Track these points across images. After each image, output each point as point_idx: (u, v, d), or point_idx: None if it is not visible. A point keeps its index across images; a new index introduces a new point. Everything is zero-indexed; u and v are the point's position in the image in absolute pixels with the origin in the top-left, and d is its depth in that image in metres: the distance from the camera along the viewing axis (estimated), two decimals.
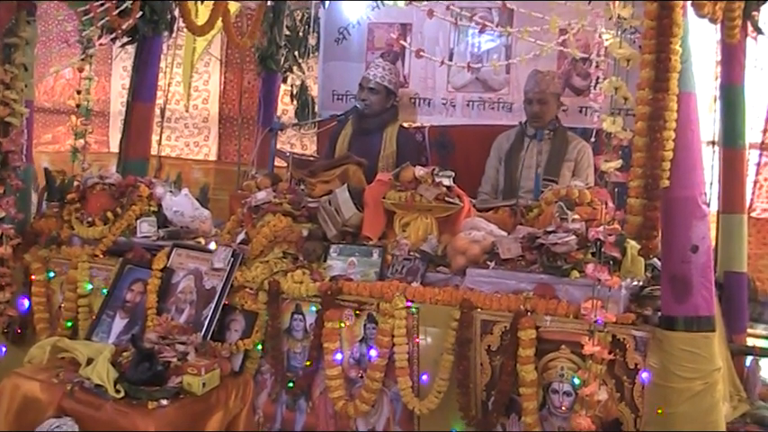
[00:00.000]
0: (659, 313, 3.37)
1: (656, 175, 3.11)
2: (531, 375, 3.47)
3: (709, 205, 3.28)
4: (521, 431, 3.58)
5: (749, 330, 6.43)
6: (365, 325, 3.89)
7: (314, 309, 3.98)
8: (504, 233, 4.06)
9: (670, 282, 3.26)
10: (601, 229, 3.23)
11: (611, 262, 3.47)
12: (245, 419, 3.88)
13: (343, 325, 3.90)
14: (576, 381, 3.40)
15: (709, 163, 6.38)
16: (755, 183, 6.61)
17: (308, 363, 3.99)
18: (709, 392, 3.26)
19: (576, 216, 3.86)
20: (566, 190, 4.29)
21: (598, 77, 3.52)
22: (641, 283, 3.75)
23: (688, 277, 3.21)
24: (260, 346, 4.07)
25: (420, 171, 4.24)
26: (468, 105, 6.29)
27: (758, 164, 6.63)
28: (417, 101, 6.40)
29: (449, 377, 3.65)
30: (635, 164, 3.14)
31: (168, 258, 4.35)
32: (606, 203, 3.34)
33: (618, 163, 3.19)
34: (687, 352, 3.23)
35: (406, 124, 6.16)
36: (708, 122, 6.44)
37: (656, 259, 3.68)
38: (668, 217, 3.23)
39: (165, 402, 3.48)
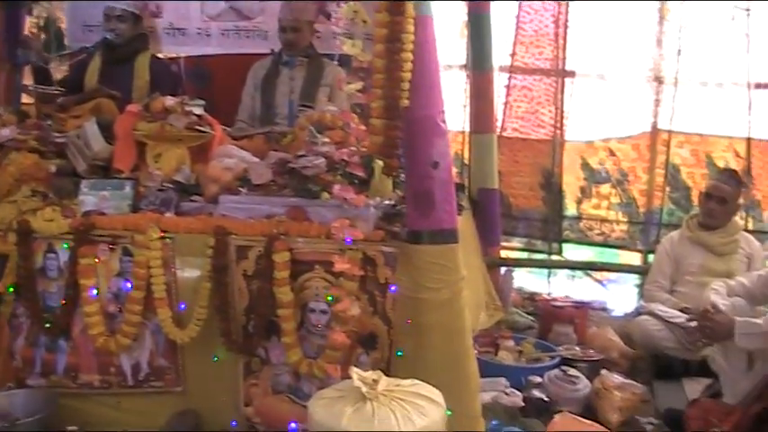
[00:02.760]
0: (407, 229, 3.50)
1: (395, 95, 3.21)
2: (288, 297, 3.54)
3: (446, 123, 3.39)
4: (281, 352, 3.65)
5: (504, 243, 6.79)
6: (121, 259, 3.82)
7: (67, 246, 3.86)
8: (258, 160, 4.08)
9: (414, 198, 3.40)
10: (345, 150, 3.31)
11: (361, 182, 3.58)
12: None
13: (97, 260, 3.81)
14: (331, 298, 3.50)
15: (462, 86, 6.64)
16: (506, 104, 6.90)
17: (63, 302, 3.88)
18: (456, 300, 3.44)
19: (327, 139, 3.93)
20: (319, 115, 4.35)
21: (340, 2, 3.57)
22: (393, 202, 3.86)
23: (431, 193, 3.35)
24: (12, 289, 3.92)
25: (170, 101, 4.17)
26: (223, 35, 6.22)
27: (507, 86, 6.91)
28: (172, 31, 6.25)
29: (208, 305, 3.66)
30: (375, 85, 3.23)
31: None
32: (349, 125, 3.42)
33: (359, 85, 3.27)
34: (433, 264, 3.40)
35: (161, 55, 6.02)
36: (459, 48, 6.68)
37: None
38: (410, 136, 3.34)
39: None
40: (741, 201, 6.45)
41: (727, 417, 3.87)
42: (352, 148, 3.51)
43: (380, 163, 3.57)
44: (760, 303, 4.66)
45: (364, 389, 2.88)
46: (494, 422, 3.77)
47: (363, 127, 3.64)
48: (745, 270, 5.24)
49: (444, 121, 3.40)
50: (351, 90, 3.27)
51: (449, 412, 3.18)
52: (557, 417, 3.39)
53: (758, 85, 6.69)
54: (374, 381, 2.92)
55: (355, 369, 2.97)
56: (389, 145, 3.24)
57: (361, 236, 3.37)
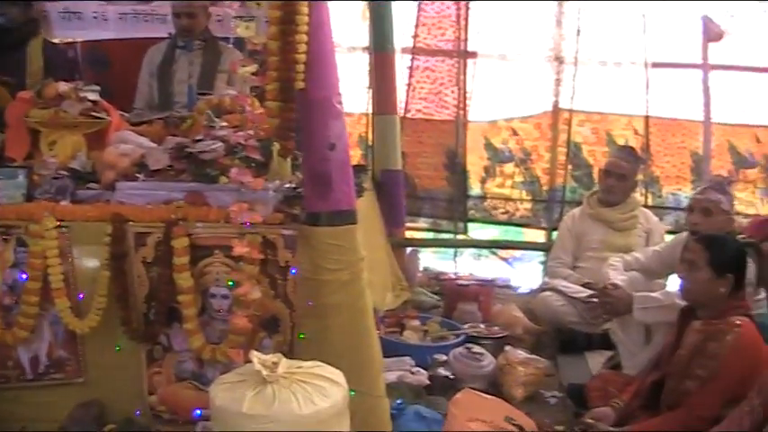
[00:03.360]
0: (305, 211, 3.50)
1: (290, 77, 3.20)
2: (188, 282, 3.50)
3: (342, 105, 3.40)
4: (183, 338, 3.62)
5: (409, 224, 6.83)
6: (15, 249, 3.72)
7: None
8: (155, 145, 4.03)
9: (311, 179, 3.40)
10: (242, 133, 3.29)
11: (260, 165, 3.56)
12: None
13: None
14: (232, 283, 3.48)
15: (365, 68, 6.63)
16: (409, 85, 6.93)
17: None
18: (356, 281, 3.46)
19: (225, 123, 3.90)
20: (218, 99, 4.32)
21: None
22: (294, 185, 3.85)
23: (328, 174, 3.35)
24: None
25: (63, 87, 4.09)
26: (121, 18, 6.13)
27: (410, 67, 6.94)
28: (67, 15, 6.11)
29: (107, 293, 3.60)
30: (270, 67, 3.21)
31: None
32: (245, 108, 3.40)
33: (253, 67, 3.25)
34: (332, 245, 3.40)
35: (56, 40, 5.88)
36: (362, 30, 6.68)
37: None
38: (306, 118, 3.34)
39: None
40: (641, 177, 6.64)
41: (625, 387, 3.98)
42: (250, 132, 3.49)
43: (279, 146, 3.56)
44: (656, 277, 4.80)
45: (264, 372, 2.89)
46: (398, 401, 3.81)
47: (261, 110, 3.61)
48: (644, 245, 5.39)
49: (341, 103, 3.40)
50: (245, 73, 3.25)
51: (352, 392, 3.21)
52: (459, 393, 3.44)
53: (655, 65, 6.86)
54: (274, 364, 2.93)
55: (255, 353, 2.97)
56: (285, 127, 3.23)
57: (260, 219, 3.35)
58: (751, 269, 4.24)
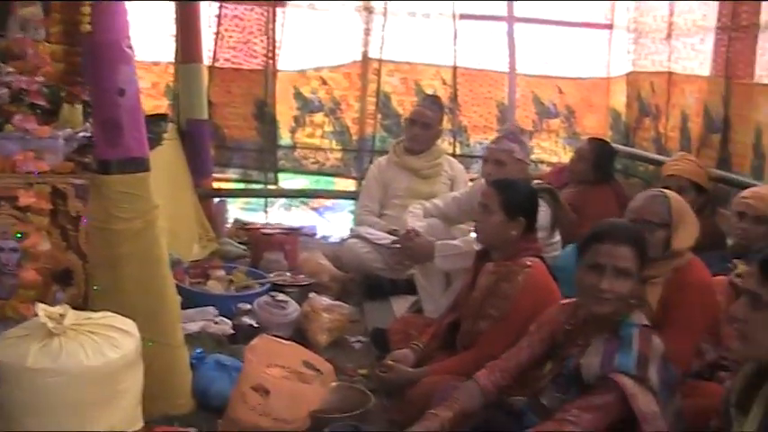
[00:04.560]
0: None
1: (75, 19, 3.08)
2: None
3: (132, 49, 3.29)
4: None
5: (219, 175, 6.75)
6: None
7: None
8: None
9: (101, 126, 3.28)
10: (25, 78, 3.15)
11: (47, 112, 3.43)
12: None
13: None
14: (19, 235, 3.34)
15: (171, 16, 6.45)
16: (217, 34, 6.79)
17: None
18: (150, 230, 3.37)
19: (11, 69, 3.72)
20: (6, 43, 4.09)
21: None
22: (88, 133, 3.71)
23: (118, 120, 3.24)
24: None
25: None
26: None
27: (218, 15, 6.79)
28: None
29: None
30: (53, 9, 3.09)
31: None
32: (26, 53, 3.26)
33: (38, 8, 3.12)
34: (124, 193, 3.30)
35: None
36: None
37: None
38: (93, 62, 3.22)
39: None
40: (449, 126, 6.79)
41: (425, 329, 4.08)
42: (38, 78, 3.34)
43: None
44: (454, 223, 4.94)
45: (50, 324, 2.80)
46: (198, 350, 3.78)
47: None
48: (448, 192, 5.51)
49: (131, 47, 3.28)
50: (27, 14, 3.10)
51: (150, 343, 3.17)
52: (255, 339, 3.44)
53: (462, 16, 7.00)
54: (61, 315, 2.85)
55: (41, 305, 2.87)
56: (71, 72, 3.12)
57: (47, 168, 3.23)
58: (546, 214, 4.43)
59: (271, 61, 6.89)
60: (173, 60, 6.60)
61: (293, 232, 5.82)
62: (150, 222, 3.37)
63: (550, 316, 3.18)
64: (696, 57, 6.24)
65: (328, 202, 7.47)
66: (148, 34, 6.41)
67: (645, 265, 2.95)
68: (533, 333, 3.17)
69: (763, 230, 4.12)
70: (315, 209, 7.42)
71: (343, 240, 6.00)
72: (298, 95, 7.09)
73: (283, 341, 3.58)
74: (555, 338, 3.12)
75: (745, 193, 4.49)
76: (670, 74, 6.64)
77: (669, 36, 6.61)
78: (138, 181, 3.32)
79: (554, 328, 3.13)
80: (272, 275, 5.09)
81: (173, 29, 6.39)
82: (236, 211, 7.08)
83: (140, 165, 3.33)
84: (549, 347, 3.13)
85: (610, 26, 7.47)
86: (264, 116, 6.92)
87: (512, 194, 3.73)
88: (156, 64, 6.73)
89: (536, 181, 4.79)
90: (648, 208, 3.43)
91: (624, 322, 2.88)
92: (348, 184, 7.25)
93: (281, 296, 4.61)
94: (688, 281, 3.37)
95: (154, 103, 6.56)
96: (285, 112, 7.08)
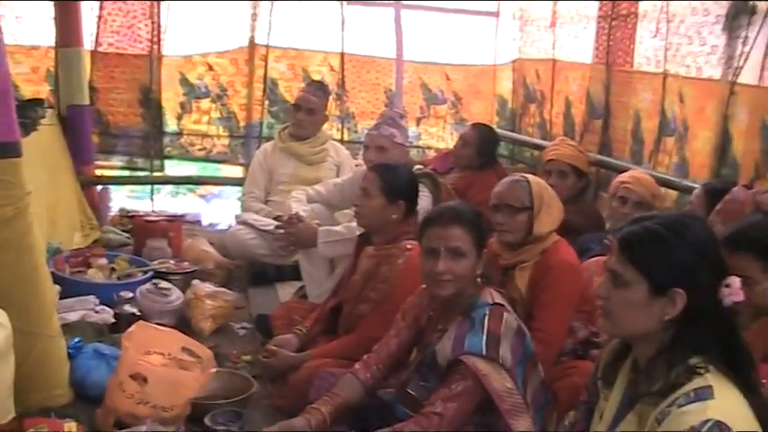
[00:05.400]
0: None
1: None
2: None
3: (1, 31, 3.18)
4: None
5: (103, 162, 6.62)
6: None
7: None
8: None
9: None
10: None
11: None
12: None
13: None
14: None
15: None
16: (100, 18, 6.62)
17: None
18: (22, 217, 3.26)
19: None
20: None
21: None
22: None
23: None
24: None
25: None
26: None
27: None
28: None
29: None
30: None
31: None
32: None
33: None
34: None
35: None
36: None
37: None
38: None
39: None
40: (338, 113, 6.80)
41: (309, 314, 4.10)
42: None
43: None
44: (337, 209, 4.96)
45: None
46: (75, 340, 3.70)
47: None
48: (335, 177, 5.52)
49: None
50: None
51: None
52: (133, 326, 3.38)
53: (350, 2, 7.03)
54: None
55: None
56: None
57: None
58: (427, 199, 4.48)
59: (156, 46, 6.77)
60: (53, 45, 6.42)
61: (177, 219, 5.73)
62: (22, 210, 3.26)
63: (413, 302, 3.22)
64: (579, 44, 6.39)
65: (216, 189, 7.41)
66: (28, 17, 6.25)
67: (483, 242, 3.00)
68: (399, 321, 3.21)
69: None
70: (202, 196, 7.35)
71: (229, 227, 5.95)
72: (184, 81, 6.99)
73: (162, 328, 3.53)
74: (419, 324, 3.16)
75: (624, 177, 4.63)
76: (554, 61, 6.80)
77: (553, 24, 6.75)
78: (9, 167, 3.21)
79: (418, 313, 3.18)
80: (154, 263, 5.01)
81: (52, 11, 6.22)
82: (122, 198, 6.95)
83: (10, 150, 3.21)
84: (415, 334, 3.17)
85: (496, 14, 7.59)
86: (150, 102, 6.81)
87: (392, 179, 3.77)
88: (35, 48, 6.51)
89: (417, 166, 4.85)
90: (509, 193, 3.50)
91: (475, 304, 2.93)
92: (235, 171, 7.19)
93: (163, 284, 4.55)
94: (554, 262, 3.45)
95: (34, 89, 6.38)
96: (171, 98, 6.97)
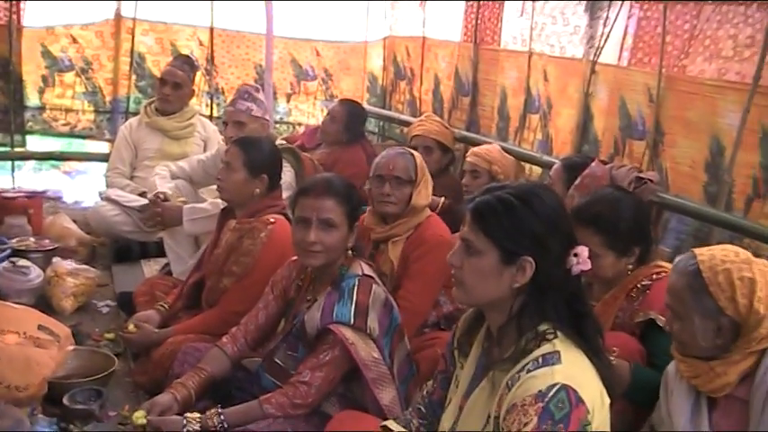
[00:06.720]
0: None
1: None
2: None
3: None
4: None
5: None
6: None
7: None
8: None
9: None
10: None
11: None
12: None
13: None
14: None
15: None
16: None
17: None
18: None
19: None
20: None
21: None
22: None
23: None
24: None
25: None
26: None
27: None
28: None
29: None
30: None
31: None
32: None
33: None
34: None
35: None
36: None
37: None
38: None
39: None
40: (207, 89, 6.73)
41: (171, 290, 4.07)
42: None
43: None
44: (201, 186, 4.93)
45: None
46: None
47: None
48: (201, 153, 5.46)
49: None
50: None
51: None
52: None
53: None
54: None
55: None
56: None
57: None
58: (290, 173, 4.50)
59: (15, 16, 6.49)
60: None
61: (37, 196, 5.55)
62: None
63: (282, 274, 3.25)
64: (448, 23, 6.47)
65: (81, 166, 7.22)
66: None
67: (355, 215, 3.06)
68: (268, 293, 3.23)
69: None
70: (67, 173, 7.15)
71: (94, 204, 5.82)
72: (46, 54, 6.75)
73: (17, 306, 3.44)
74: (287, 296, 3.19)
75: (473, 150, 4.79)
76: (424, 39, 6.87)
77: (423, 2, 6.82)
78: None
79: (286, 285, 3.21)
80: (13, 241, 4.86)
81: None
82: None
83: None
84: (283, 306, 3.20)
85: None
86: (9, 75, 6.53)
87: (254, 152, 3.77)
88: None
89: (279, 141, 4.85)
90: (399, 164, 3.59)
91: (344, 275, 2.97)
92: (101, 147, 7.01)
93: (22, 262, 4.42)
94: (426, 237, 3.54)
95: None
96: (32, 71, 6.72)
